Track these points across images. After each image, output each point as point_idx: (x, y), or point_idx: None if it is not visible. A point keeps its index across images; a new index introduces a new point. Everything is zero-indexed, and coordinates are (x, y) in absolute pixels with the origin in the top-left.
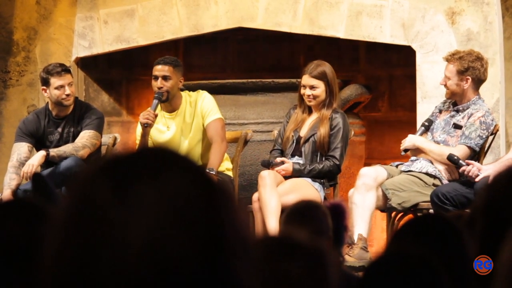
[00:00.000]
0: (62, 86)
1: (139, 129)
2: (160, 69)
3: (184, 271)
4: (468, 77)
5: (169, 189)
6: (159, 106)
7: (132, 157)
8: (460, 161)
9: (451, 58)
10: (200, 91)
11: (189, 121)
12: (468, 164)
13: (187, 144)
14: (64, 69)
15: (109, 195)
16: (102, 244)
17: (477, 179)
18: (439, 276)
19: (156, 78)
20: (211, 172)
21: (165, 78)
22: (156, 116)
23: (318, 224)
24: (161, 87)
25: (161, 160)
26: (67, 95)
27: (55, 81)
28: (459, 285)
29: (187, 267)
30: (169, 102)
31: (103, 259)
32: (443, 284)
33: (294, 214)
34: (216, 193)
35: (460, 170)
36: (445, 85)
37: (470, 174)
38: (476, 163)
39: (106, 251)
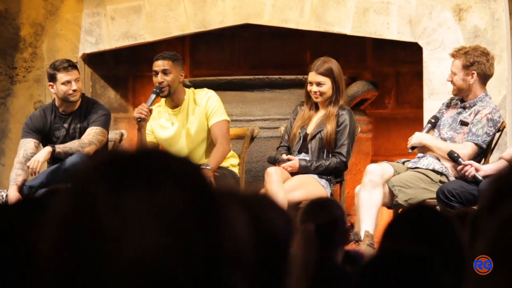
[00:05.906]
0: (68, 82)
1: (148, 125)
2: (159, 64)
3: (176, 283)
4: (473, 71)
5: (164, 199)
6: (163, 101)
7: (130, 160)
8: (460, 159)
9: (457, 53)
10: (206, 89)
11: (192, 119)
12: (465, 165)
13: (190, 141)
14: (70, 65)
15: (103, 202)
16: (93, 253)
17: (471, 177)
18: (437, 274)
19: (156, 73)
20: (207, 168)
21: (165, 72)
22: (151, 111)
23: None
24: (162, 82)
25: (158, 166)
26: (74, 90)
27: (62, 77)
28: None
29: (179, 278)
30: (171, 98)
31: (93, 268)
32: (440, 281)
33: (312, 209)
34: (213, 203)
35: (458, 168)
36: (452, 81)
37: (466, 173)
38: (474, 163)
39: (96, 260)
